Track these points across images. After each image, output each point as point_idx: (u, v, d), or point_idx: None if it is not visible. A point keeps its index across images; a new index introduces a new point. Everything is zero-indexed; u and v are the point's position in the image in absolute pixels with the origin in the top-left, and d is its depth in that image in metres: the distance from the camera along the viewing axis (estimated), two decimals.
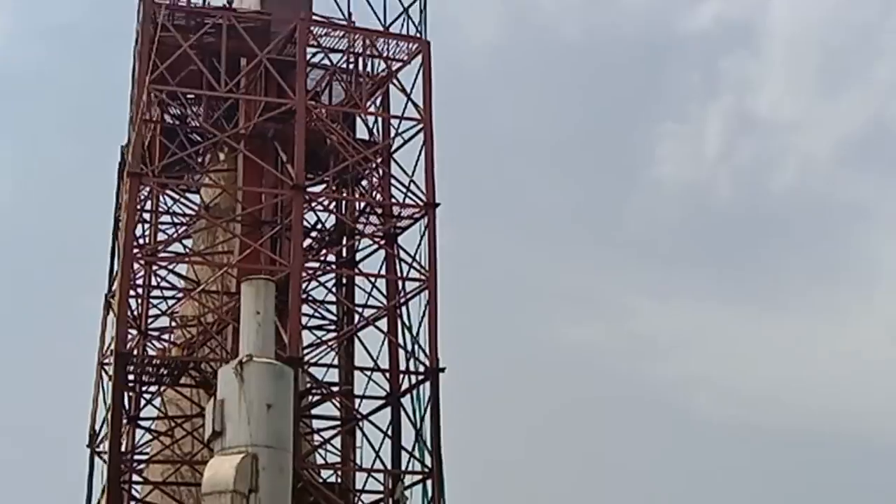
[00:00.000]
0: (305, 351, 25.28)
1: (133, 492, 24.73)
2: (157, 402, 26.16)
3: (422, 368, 24.88)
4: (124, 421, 23.87)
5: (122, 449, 23.72)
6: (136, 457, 24.92)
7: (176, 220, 26.92)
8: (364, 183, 26.50)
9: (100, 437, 24.59)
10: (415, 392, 24.97)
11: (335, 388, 25.72)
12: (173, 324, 25.65)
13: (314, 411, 25.78)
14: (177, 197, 26.82)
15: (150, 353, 24.84)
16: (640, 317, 52.68)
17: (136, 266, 24.96)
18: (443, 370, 24.56)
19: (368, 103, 26.25)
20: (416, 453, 24.55)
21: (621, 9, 59.43)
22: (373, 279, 26.04)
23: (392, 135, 26.16)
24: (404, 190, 25.54)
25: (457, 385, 25.44)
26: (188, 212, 26.67)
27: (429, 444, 24.26)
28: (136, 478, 24.75)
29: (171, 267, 25.96)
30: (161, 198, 26.67)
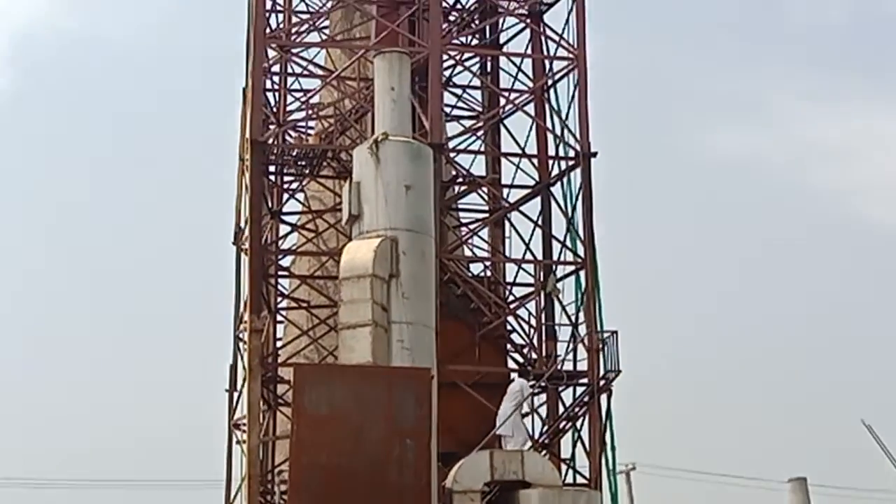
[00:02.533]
0: (450, 141, 24.10)
1: (279, 287, 24.36)
2: (301, 197, 25.66)
3: (572, 154, 23.46)
4: (266, 214, 23.24)
5: (266, 243, 23.17)
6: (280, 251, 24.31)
7: (310, 6, 25.69)
8: None
9: (244, 234, 24.07)
10: (565, 179, 23.62)
11: (481, 178, 24.50)
12: (311, 113, 24.64)
13: (460, 203, 24.71)
14: None
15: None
16: (806, 122, 50.07)
17: (270, 54, 23.90)
18: (595, 155, 23.11)
19: None
20: (568, 243, 23.33)
21: None
22: (518, 60, 24.48)
23: None
24: None
25: (609, 171, 24.04)
26: None
27: (581, 233, 23.00)
28: (281, 273, 24.30)
29: (305, 54, 24.83)
30: None
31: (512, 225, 24.03)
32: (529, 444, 20.99)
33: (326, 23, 26.04)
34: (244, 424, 21.28)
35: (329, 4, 25.31)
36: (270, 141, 22.97)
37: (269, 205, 23.86)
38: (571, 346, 22.50)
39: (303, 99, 24.85)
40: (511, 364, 22.70)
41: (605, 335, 22.00)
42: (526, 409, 21.44)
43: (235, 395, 22.73)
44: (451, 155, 23.79)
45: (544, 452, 21.51)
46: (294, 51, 24.66)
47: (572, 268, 23.11)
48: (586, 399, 21.80)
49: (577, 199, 23.26)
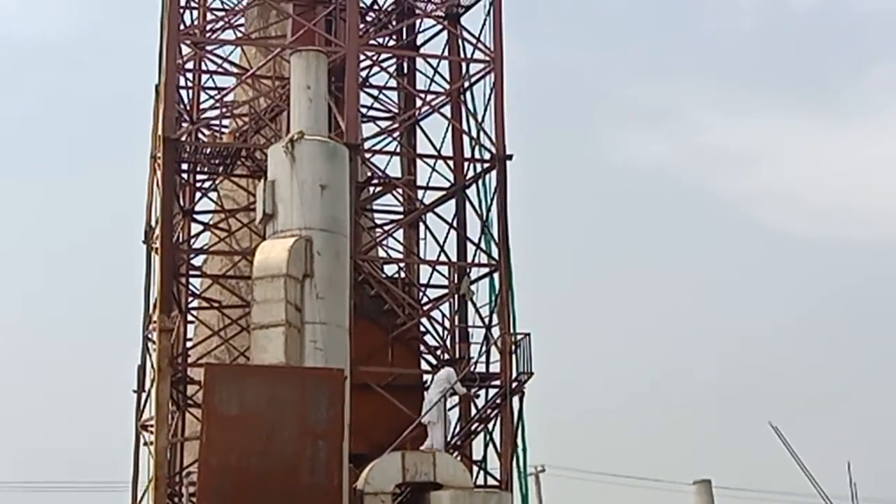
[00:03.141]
0: (365, 142, 24.01)
1: (191, 287, 24.06)
2: (214, 196, 25.36)
3: (488, 156, 23.51)
4: (178, 213, 22.95)
5: (177, 242, 22.88)
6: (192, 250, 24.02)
7: (226, 3, 25.43)
8: None
9: (155, 232, 23.72)
10: (481, 181, 23.65)
11: (397, 179, 24.44)
12: (224, 111, 24.38)
13: (375, 204, 24.62)
14: None
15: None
16: (710, 132, 50.93)
17: (185, 51, 23.62)
18: (510, 158, 23.19)
19: None
20: (483, 245, 23.37)
21: None
22: (435, 62, 24.47)
23: None
24: None
25: (523, 174, 24.09)
26: None
27: (496, 235, 23.05)
28: (192, 272, 24.01)
29: (220, 52, 24.56)
30: None
31: (427, 227, 24.05)
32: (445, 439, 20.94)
33: (242, 20, 25.78)
34: (152, 426, 20.97)
35: (245, 2, 25.13)
36: (183, 138, 22.69)
37: (182, 203, 23.56)
38: (484, 348, 22.55)
39: (217, 97, 24.57)
40: (424, 366, 22.68)
41: (518, 337, 22.06)
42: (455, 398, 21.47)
43: (143, 395, 22.40)
44: (367, 155, 23.71)
45: (456, 454, 21.51)
46: (209, 48, 24.40)
47: (486, 270, 23.16)
48: (498, 401, 21.85)
49: (492, 201, 23.30)
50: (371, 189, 24.33)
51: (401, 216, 24.59)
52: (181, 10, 23.21)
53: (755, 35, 54.71)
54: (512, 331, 22.21)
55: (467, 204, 23.84)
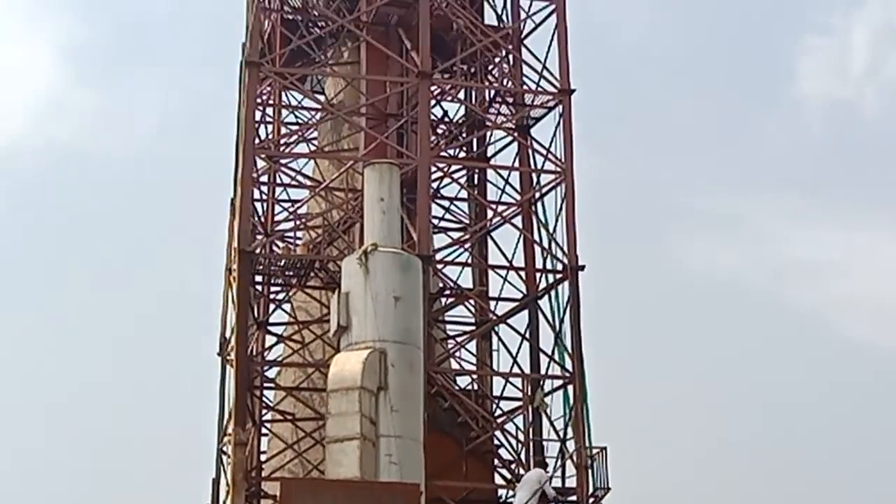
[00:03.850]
0: (437, 253, 24.07)
1: (265, 399, 24.05)
2: (288, 308, 25.45)
3: (560, 267, 23.42)
4: (252, 325, 23.06)
5: (251, 354, 22.94)
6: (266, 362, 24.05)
7: (299, 118, 25.86)
8: (494, 71, 25.01)
9: (230, 344, 23.83)
10: (553, 292, 23.53)
11: (469, 290, 24.40)
12: (298, 224, 24.61)
13: (447, 315, 24.56)
14: (300, 97, 25.70)
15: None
16: (784, 242, 50.48)
17: (259, 164, 23.96)
18: (582, 268, 23.08)
19: None
20: (556, 356, 23.16)
21: None
22: (505, 173, 24.59)
23: (522, 18, 24.56)
24: (537, 76, 23.98)
25: (595, 284, 23.93)
26: (312, 106, 25.51)
27: (569, 346, 22.84)
28: (266, 385, 24.00)
29: (294, 165, 24.90)
30: (284, 96, 25.60)
31: (499, 338, 23.91)
32: None
33: (315, 134, 26.16)
34: None
35: (318, 116, 25.48)
36: (258, 251, 22.90)
37: (256, 315, 23.68)
38: (560, 462, 22.21)
39: (291, 209, 24.84)
40: (498, 480, 22.36)
41: (594, 451, 21.70)
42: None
43: None
44: (439, 267, 23.74)
45: None
46: (283, 161, 24.73)
47: (560, 382, 22.90)
48: None
49: (564, 312, 23.15)
50: (443, 300, 24.33)
51: (473, 327, 24.48)
52: (256, 126, 23.62)
53: (825, 143, 54.45)
54: (588, 444, 21.86)
55: (540, 315, 23.71)
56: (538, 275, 23.92)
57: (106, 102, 54.27)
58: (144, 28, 55.19)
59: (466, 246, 24.82)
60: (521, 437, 22.72)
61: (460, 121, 25.46)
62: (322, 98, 26.11)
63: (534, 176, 24.30)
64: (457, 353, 24.42)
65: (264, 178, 24.53)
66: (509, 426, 22.91)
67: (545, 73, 23.95)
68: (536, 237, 24.04)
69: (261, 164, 24.12)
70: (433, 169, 23.68)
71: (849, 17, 56.11)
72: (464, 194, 25.35)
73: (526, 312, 23.89)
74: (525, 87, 24.28)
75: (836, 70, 55.47)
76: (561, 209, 23.49)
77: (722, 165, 50.31)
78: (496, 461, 22.40)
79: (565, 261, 23.21)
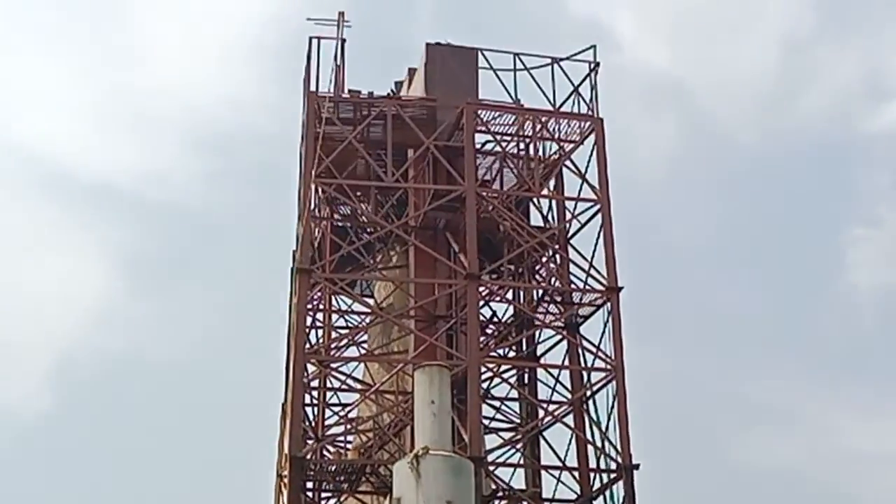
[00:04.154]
0: (489, 454, 23.86)
1: None
2: None
3: (614, 466, 23.11)
4: None
5: None
6: None
7: (349, 322, 26.11)
8: (541, 270, 25.27)
9: None
10: (608, 492, 23.16)
11: (522, 492, 24.06)
12: (349, 427, 24.56)
13: None
14: (349, 301, 26.02)
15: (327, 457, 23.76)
16: (844, 435, 49.65)
17: (310, 369, 24.09)
18: (637, 467, 22.75)
19: (541, 187, 25.14)
20: None
21: (799, 113, 57.38)
22: (555, 372, 24.55)
23: (567, 218, 24.94)
24: (584, 275, 24.17)
25: (650, 482, 23.55)
26: (362, 310, 25.78)
27: None
28: None
29: (344, 368, 25.01)
30: (333, 300, 25.93)
31: None
32: None
33: (365, 337, 26.33)
34: None
35: (368, 320, 25.71)
36: (309, 456, 22.81)
37: None
38: None
39: (341, 413, 24.84)
40: None
41: None
42: None
43: None
44: (491, 468, 23.48)
45: None
46: (333, 365, 24.86)
47: None
48: None
49: None
50: (497, 502, 23.96)
51: None
52: (307, 331, 23.85)
53: (876, 330, 54.08)
54: None
55: None
56: (592, 475, 23.60)
57: (158, 311, 55.23)
58: (194, 237, 56.61)
59: (518, 446, 24.59)
60: None
61: (509, 320, 25.57)
62: (371, 301, 26.44)
63: (584, 374, 24.23)
64: None
65: (315, 383, 24.62)
66: None
67: (592, 272, 24.14)
68: (589, 436, 23.81)
69: (311, 368, 24.26)
70: (483, 369, 23.69)
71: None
72: (514, 394, 25.26)
73: None
74: (573, 285, 24.46)
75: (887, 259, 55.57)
76: (613, 407, 23.31)
77: (772, 356, 49.98)
78: None
79: (619, 460, 22.89)
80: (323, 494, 24.02)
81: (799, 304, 52.77)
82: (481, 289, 24.21)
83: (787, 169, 56.39)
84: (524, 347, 25.38)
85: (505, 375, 25.07)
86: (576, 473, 23.75)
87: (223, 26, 58.56)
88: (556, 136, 25.03)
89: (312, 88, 24.26)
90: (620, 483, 22.79)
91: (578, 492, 23.62)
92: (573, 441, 23.94)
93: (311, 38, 24.63)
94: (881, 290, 55.07)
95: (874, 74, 57.91)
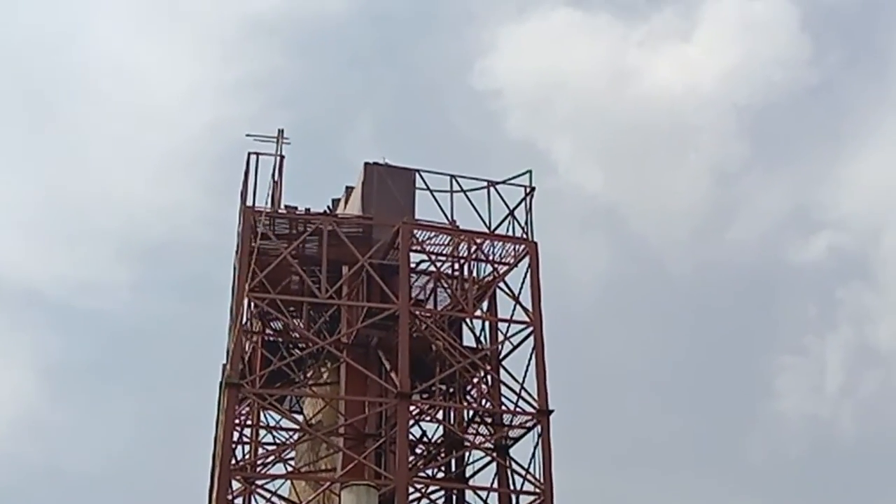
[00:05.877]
0: None
1: None
2: None
3: None
4: None
5: None
6: None
7: (277, 438, 25.80)
8: (472, 391, 25.24)
9: None
10: None
11: None
12: None
13: None
14: (278, 417, 25.74)
15: None
16: None
17: (234, 485, 23.67)
18: None
19: (475, 308, 25.24)
20: None
21: (729, 242, 58.46)
22: (484, 494, 24.35)
23: (500, 340, 25.00)
24: (515, 397, 24.17)
25: None
26: (290, 426, 25.50)
27: None
28: None
29: (270, 486, 24.63)
30: (262, 416, 25.63)
31: None
32: None
33: (292, 454, 25.99)
34: None
35: (296, 436, 25.41)
36: None
37: None
38: None
39: None
40: None
41: None
42: None
43: None
44: None
45: None
46: (259, 482, 24.46)
47: None
48: None
49: None
50: None
51: None
52: (234, 446, 23.50)
53: (804, 457, 54.55)
54: None
55: None
56: None
57: (78, 421, 54.23)
58: (121, 346, 55.89)
59: None
60: None
61: (439, 440, 25.43)
62: (300, 418, 26.16)
63: (513, 497, 24.05)
64: None
65: (239, 501, 24.17)
66: None
67: (523, 394, 24.14)
68: None
69: (236, 485, 23.84)
70: (411, 489, 23.47)
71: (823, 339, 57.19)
72: None
73: None
74: (503, 407, 24.41)
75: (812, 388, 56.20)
76: None
77: (702, 479, 50.05)
78: None
79: None
80: None
81: (728, 430, 53.10)
82: (412, 408, 24.10)
83: (716, 297, 57.24)
84: (453, 468, 25.21)
85: (433, 496, 24.89)
86: None
87: (163, 135, 58.83)
88: (491, 257, 25.22)
89: (249, 203, 24.30)
90: None
91: None
92: None
93: (249, 154, 24.80)
94: (807, 419, 55.67)
95: (802, 206, 59.33)
